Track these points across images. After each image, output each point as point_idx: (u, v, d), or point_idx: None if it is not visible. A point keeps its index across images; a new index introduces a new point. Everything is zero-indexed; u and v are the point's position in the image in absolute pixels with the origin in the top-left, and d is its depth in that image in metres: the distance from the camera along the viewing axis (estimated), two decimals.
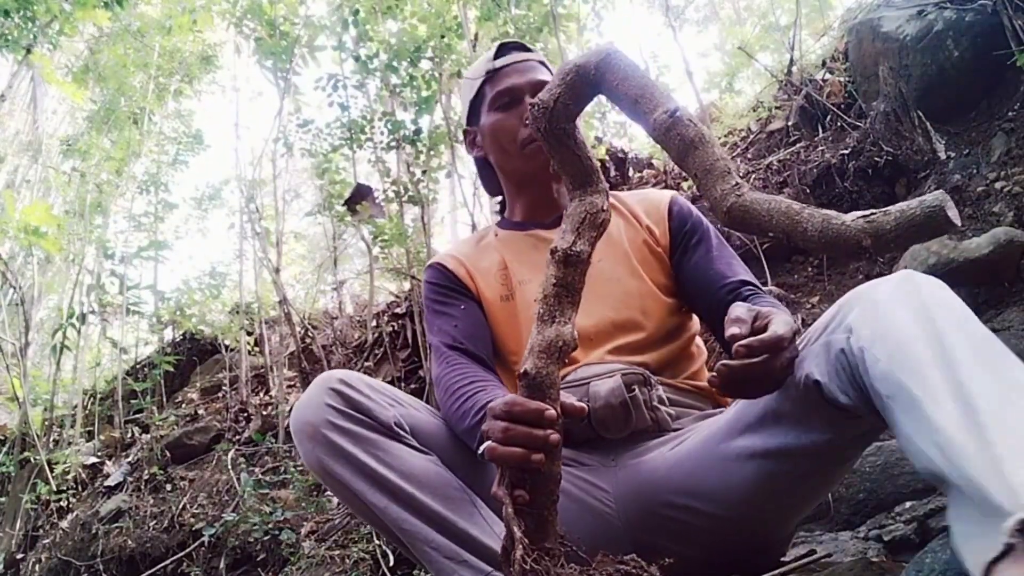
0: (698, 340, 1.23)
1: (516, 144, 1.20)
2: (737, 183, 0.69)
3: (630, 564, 0.73)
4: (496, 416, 0.76)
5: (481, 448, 0.78)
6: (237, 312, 4.69)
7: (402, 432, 1.01)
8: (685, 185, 3.37)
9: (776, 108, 3.57)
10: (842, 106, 3.21)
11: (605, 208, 0.79)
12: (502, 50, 1.26)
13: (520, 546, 0.68)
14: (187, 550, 3.04)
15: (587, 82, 0.78)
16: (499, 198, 1.40)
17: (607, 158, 3.71)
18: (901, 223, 0.61)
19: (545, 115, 0.78)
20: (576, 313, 0.78)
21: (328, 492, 2.78)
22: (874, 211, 0.64)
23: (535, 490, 0.73)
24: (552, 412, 0.73)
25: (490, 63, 1.25)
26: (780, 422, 0.86)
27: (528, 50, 1.28)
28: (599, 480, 1.03)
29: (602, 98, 0.85)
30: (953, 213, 0.60)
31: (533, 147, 1.17)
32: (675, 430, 1.07)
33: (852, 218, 0.64)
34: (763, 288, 1.12)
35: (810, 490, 0.95)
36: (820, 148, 3.06)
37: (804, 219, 0.66)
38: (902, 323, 0.69)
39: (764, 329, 0.79)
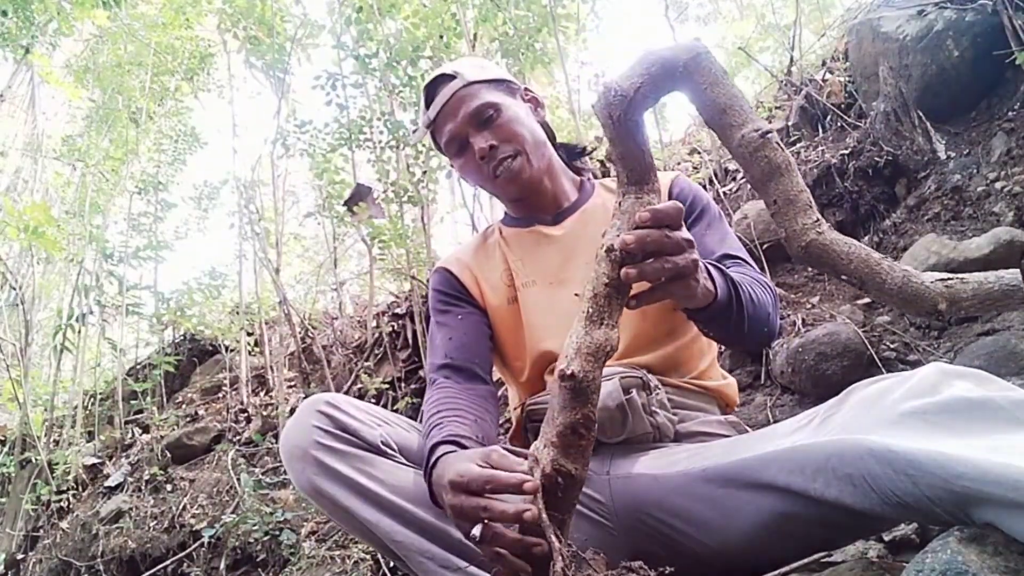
0: None
1: (487, 178, 1.18)
2: (818, 219, 0.67)
3: (638, 572, 0.72)
4: (473, 493, 0.76)
5: (475, 532, 0.77)
6: (237, 313, 4.69)
7: (389, 450, 1.02)
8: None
9: (776, 108, 3.57)
10: (842, 106, 3.21)
11: None
12: (429, 91, 1.21)
13: (560, 557, 0.67)
14: (187, 551, 3.04)
15: (671, 77, 0.74)
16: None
17: (607, 157, 3.70)
18: (978, 294, 0.63)
19: (622, 104, 0.73)
20: (620, 316, 0.74)
21: None
22: (952, 276, 0.65)
23: (565, 496, 0.72)
24: (532, 483, 0.71)
25: (425, 115, 1.22)
26: (792, 495, 0.83)
27: (451, 77, 1.18)
28: (593, 490, 1.02)
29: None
30: None
31: (504, 176, 1.15)
32: (676, 437, 1.05)
33: (931, 279, 0.65)
34: (751, 264, 1.10)
35: (817, 544, 0.92)
36: (820, 148, 3.06)
37: (884, 271, 0.65)
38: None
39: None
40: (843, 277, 0.67)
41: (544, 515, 0.69)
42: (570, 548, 0.72)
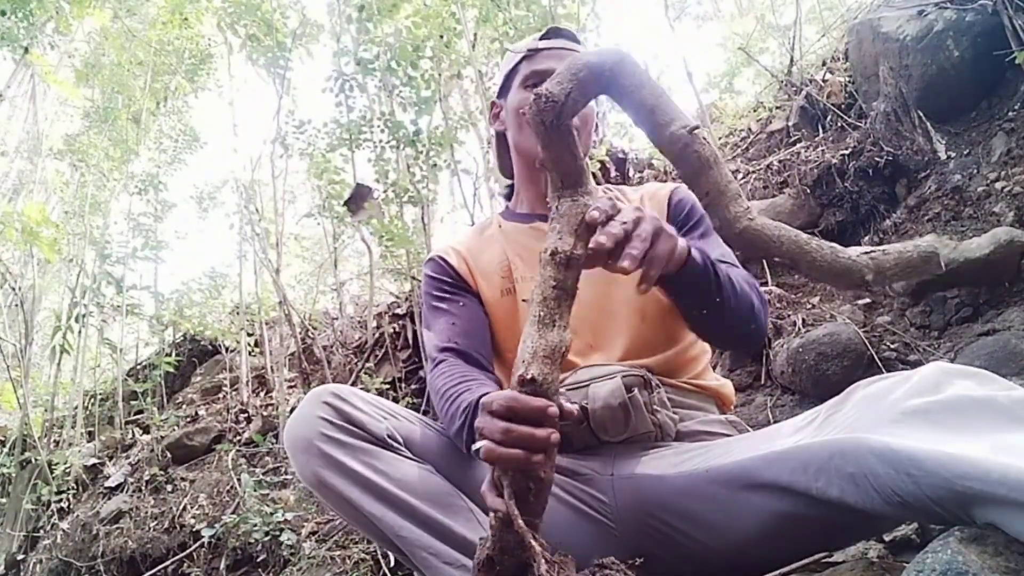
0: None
1: None
2: (748, 207, 0.70)
3: (612, 568, 0.73)
4: (495, 414, 0.73)
5: (477, 446, 0.75)
6: (237, 313, 4.69)
7: (395, 443, 1.01)
8: None
9: (776, 108, 3.57)
10: (842, 106, 3.21)
11: None
12: (550, 33, 1.25)
13: (542, 560, 0.67)
14: (188, 551, 3.05)
15: (599, 81, 0.76)
16: (507, 188, 1.40)
17: (607, 158, 3.71)
18: (900, 262, 0.67)
19: (554, 110, 0.75)
20: (570, 316, 0.76)
21: None
22: (875, 248, 0.68)
23: (536, 499, 0.72)
24: (555, 409, 0.72)
25: (534, 42, 1.24)
26: (794, 495, 0.83)
27: (576, 41, 1.26)
28: (596, 491, 1.02)
29: (602, 98, 0.85)
30: (941, 260, 0.67)
31: None
32: (678, 436, 1.05)
33: (857, 253, 0.68)
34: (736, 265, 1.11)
35: (818, 544, 0.92)
36: (820, 148, 3.06)
37: (813, 249, 0.68)
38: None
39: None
40: (777, 259, 0.70)
41: (520, 520, 0.69)
42: (548, 552, 0.72)
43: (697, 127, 0.72)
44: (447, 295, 1.22)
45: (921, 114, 2.75)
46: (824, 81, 3.33)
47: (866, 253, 0.67)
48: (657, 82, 0.76)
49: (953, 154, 2.67)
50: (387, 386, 3.31)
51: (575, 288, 0.76)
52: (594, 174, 3.30)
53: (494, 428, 0.72)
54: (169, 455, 3.74)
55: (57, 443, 4.26)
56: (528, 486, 0.71)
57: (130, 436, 4.18)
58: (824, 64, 3.51)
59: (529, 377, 0.72)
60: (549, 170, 0.80)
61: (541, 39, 1.24)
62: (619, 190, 1.31)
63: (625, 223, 0.77)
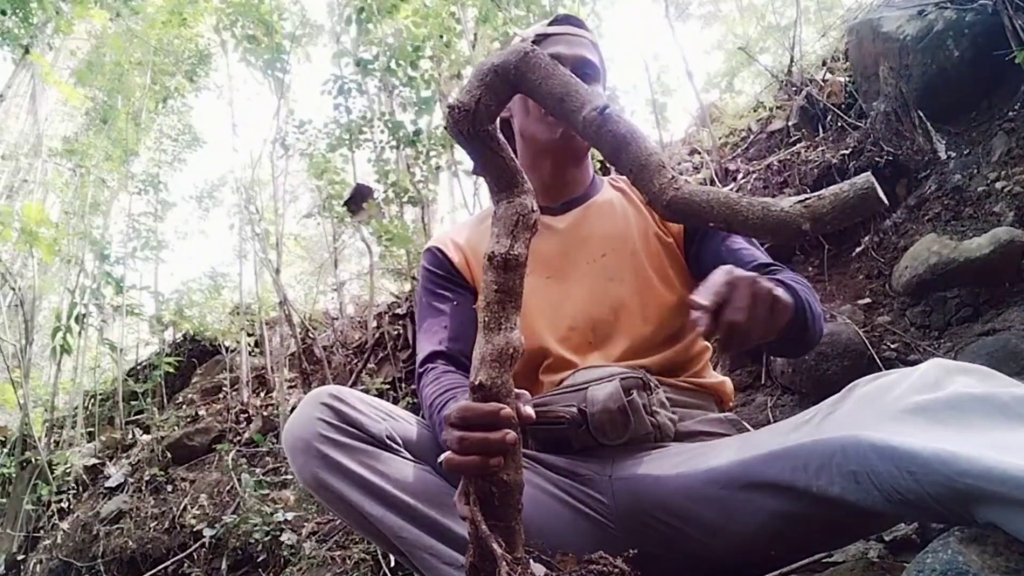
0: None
1: (547, 123, 1.19)
2: (673, 176, 0.69)
3: (600, 563, 0.73)
4: (452, 425, 0.74)
5: (440, 459, 0.76)
6: (237, 313, 4.69)
7: (394, 444, 1.01)
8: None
9: (776, 108, 3.57)
10: (842, 106, 3.21)
11: (535, 208, 0.79)
12: (559, 20, 1.26)
13: (503, 563, 0.67)
14: (188, 551, 3.05)
15: (507, 82, 0.77)
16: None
17: None
18: (836, 205, 0.63)
19: (467, 119, 0.75)
20: (519, 316, 0.76)
21: None
22: (809, 195, 0.65)
23: (502, 503, 0.72)
24: (508, 411, 0.72)
25: (543, 27, 1.25)
26: (794, 493, 0.83)
27: (585, 28, 1.27)
28: (595, 491, 1.02)
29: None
30: (880, 193, 0.63)
31: (566, 132, 1.17)
32: (677, 436, 1.05)
33: (790, 204, 0.65)
34: (783, 267, 1.09)
35: (818, 543, 0.92)
36: (820, 148, 3.06)
37: (743, 208, 0.66)
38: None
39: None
40: (711, 224, 0.68)
41: (484, 525, 0.69)
42: (531, 553, 0.72)
43: (607, 107, 0.71)
44: (442, 291, 1.21)
45: (921, 114, 2.75)
46: (824, 81, 3.33)
47: (800, 202, 0.65)
48: (564, 70, 0.76)
49: (953, 154, 2.67)
50: (387, 386, 3.31)
51: (519, 288, 0.76)
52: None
53: (452, 438, 0.73)
54: (169, 455, 3.74)
55: (57, 443, 4.26)
56: (491, 491, 0.71)
57: (130, 436, 4.18)
58: (824, 64, 3.51)
59: (478, 383, 0.72)
60: (483, 176, 0.81)
61: (550, 24, 1.25)
62: (628, 183, 1.30)
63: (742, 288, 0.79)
